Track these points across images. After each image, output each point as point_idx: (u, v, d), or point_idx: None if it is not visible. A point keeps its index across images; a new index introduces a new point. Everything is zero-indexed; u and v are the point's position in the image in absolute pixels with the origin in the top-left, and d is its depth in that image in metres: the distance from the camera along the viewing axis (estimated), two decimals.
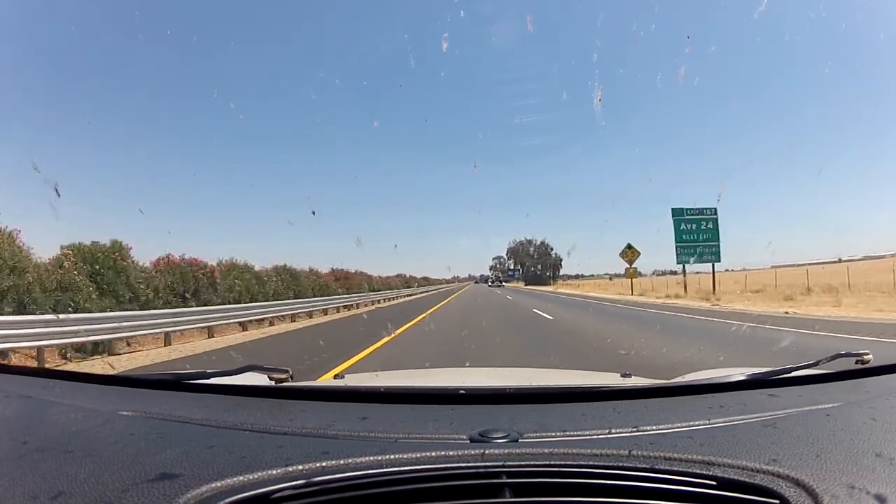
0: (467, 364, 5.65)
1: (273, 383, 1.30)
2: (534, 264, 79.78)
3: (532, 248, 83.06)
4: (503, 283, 70.21)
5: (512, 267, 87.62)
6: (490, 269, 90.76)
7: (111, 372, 6.32)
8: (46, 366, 6.79)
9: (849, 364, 1.25)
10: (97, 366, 7.36)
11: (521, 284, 74.85)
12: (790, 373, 1.20)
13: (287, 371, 1.32)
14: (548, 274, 76.35)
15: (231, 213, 47.67)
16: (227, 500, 0.64)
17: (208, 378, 1.24)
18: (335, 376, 1.89)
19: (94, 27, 35.69)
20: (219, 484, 0.67)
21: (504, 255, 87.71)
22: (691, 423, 0.88)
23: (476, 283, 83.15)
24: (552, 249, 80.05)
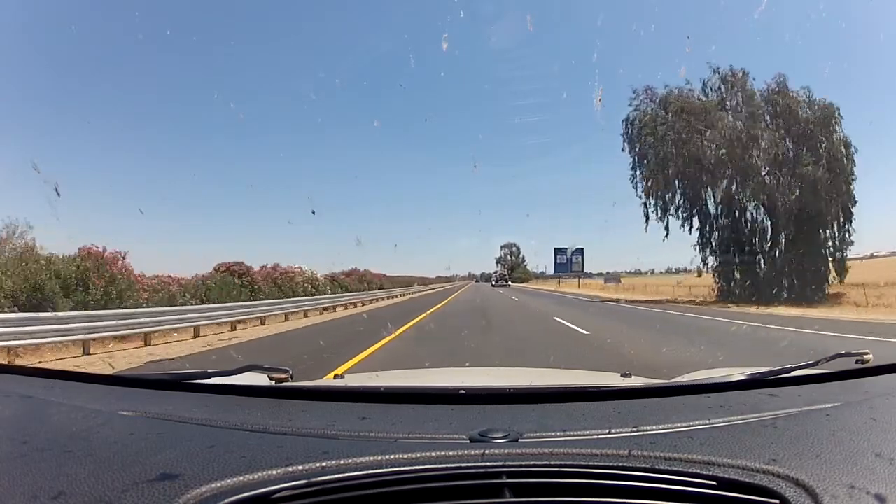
0: (467, 364, 5.64)
1: (273, 383, 1.30)
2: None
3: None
4: (509, 283, 63.84)
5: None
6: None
7: (110, 371, 6.31)
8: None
9: (848, 364, 1.25)
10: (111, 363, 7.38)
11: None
12: (790, 373, 1.20)
13: (287, 371, 1.32)
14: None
15: (230, 213, 47.84)
16: (227, 501, 0.64)
17: (208, 378, 1.24)
18: (335, 376, 1.89)
19: (93, 27, 35.73)
20: (219, 484, 0.67)
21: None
22: (691, 423, 0.88)
23: (476, 282, 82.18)
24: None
